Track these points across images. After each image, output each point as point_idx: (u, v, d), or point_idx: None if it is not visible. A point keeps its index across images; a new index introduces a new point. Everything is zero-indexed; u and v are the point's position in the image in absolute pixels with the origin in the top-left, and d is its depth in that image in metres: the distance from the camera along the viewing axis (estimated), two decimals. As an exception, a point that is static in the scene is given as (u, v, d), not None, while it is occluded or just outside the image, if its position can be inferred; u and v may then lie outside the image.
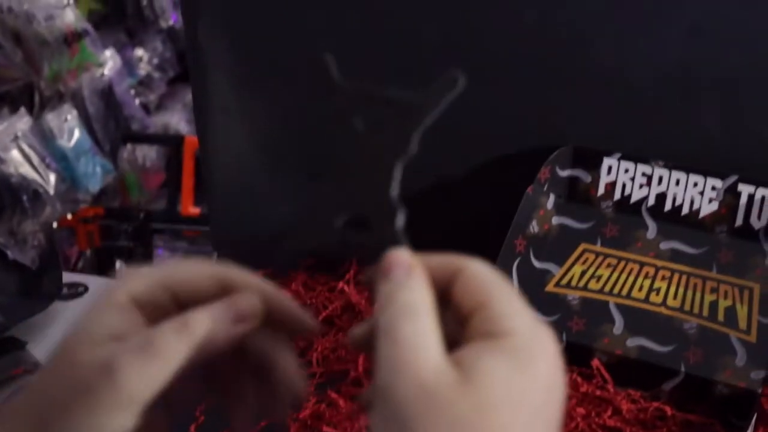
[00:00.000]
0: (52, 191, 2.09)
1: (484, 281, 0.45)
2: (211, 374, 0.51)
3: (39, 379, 0.46)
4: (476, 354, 0.42)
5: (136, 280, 0.49)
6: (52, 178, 2.11)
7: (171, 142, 2.54)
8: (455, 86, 0.47)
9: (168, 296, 0.49)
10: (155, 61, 2.74)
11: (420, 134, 0.47)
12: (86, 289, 1.23)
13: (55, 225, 2.22)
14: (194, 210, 2.39)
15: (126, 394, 0.43)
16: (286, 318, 0.50)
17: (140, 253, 2.33)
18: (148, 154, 2.64)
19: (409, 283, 0.44)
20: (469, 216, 1.07)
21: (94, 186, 2.29)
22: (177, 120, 2.80)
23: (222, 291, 0.49)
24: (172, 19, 2.72)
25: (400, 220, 0.47)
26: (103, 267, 2.33)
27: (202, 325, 0.46)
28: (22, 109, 2.09)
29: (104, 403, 0.43)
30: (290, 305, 0.50)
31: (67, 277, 1.24)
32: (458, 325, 0.45)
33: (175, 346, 0.45)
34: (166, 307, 0.48)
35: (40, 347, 1.11)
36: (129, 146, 2.59)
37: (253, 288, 0.49)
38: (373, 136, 0.48)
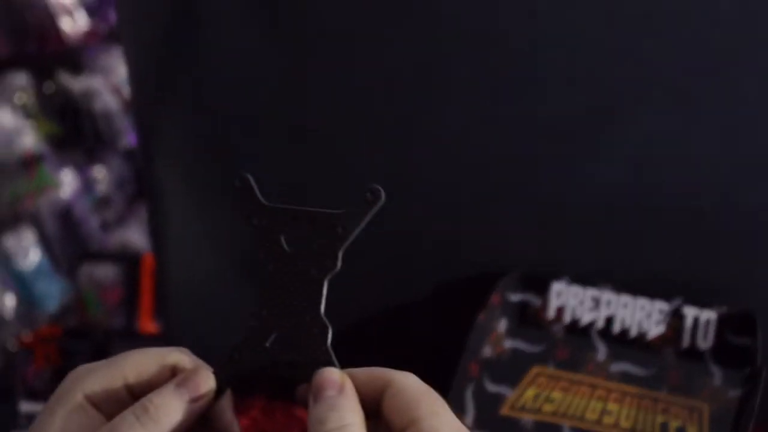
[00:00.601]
0: (9, 313, 2.08)
1: (412, 396, 0.46)
2: None
3: None
4: None
5: (88, 377, 0.48)
6: (10, 300, 2.11)
7: (129, 260, 2.54)
8: (377, 201, 0.49)
9: (123, 388, 0.48)
10: (114, 179, 2.76)
11: (344, 250, 0.49)
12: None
13: (12, 346, 2.20)
14: (153, 327, 2.39)
15: None
16: (215, 420, 0.50)
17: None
18: (106, 271, 2.64)
19: (340, 403, 0.46)
20: (421, 342, 1.08)
21: (52, 306, 2.29)
22: (136, 236, 2.80)
23: (174, 375, 0.49)
24: (129, 138, 2.75)
25: (329, 337, 0.49)
26: (61, 387, 2.30)
27: (162, 407, 0.46)
28: (-20, 233, 2.09)
29: None
30: (226, 407, 0.50)
31: (25, 407, 1.23)
32: None
33: None
34: (122, 399, 0.48)
35: (-5, 482, 1.10)
36: (87, 264, 2.59)
37: (203, 368, 0.50)
38: (298, 254, 0.50)
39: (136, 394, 0.48)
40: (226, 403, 0.50)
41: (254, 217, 0.51)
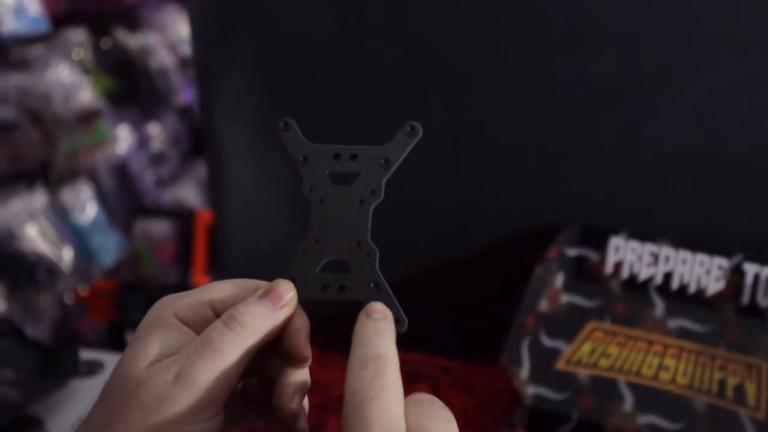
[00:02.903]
0: (66, 266, 2.12)
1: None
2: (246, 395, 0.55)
3: (103, 407, 0.48)
4: None
5: (176, 301, 0.52)
6: (67, 253, 2.14)
7: (183, 216, 2.57)
8: (415, 135, 0.54)
9: (209, 308, 0.52)
10: (169, 136, 2.79)
11: (386, 180, 0.54)
12: (102, 366, 1.24)
13: (69, 299, 2.24)
14: (206, 282, 2.41)
15: (204, 395, 0.47)
16: (289, 340, 0.52)
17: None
18: (160, 227, 2.67)
19: (385, 321, 0.50)
20: (479, 295, 1.08)
21: (108, 260, 2.32)
22: (189, 193, 2.83)
23: None
24: (184, 96, 2.77)
25: (377, 259, 0.53)
26: (116, 340, 2.35)
27: (247, 314, 0.50)
28: (38, 186, 2.12)
29: (186, 410, 0.46)
30: (300, 327, 0.52)
31: (84, 354, 1.25)
32: None
33: (229, 338, 0.49)
34: (209, 318, 0.52)
35: (58, 425, 1.11)
36: (142, 220, 2.62)
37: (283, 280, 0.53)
38: (344, 187, 0.54)
39: (220, 313, 0.51)
40: (301, 323, 0.52)
41: (300, 156, 0.55)
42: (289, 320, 0.52)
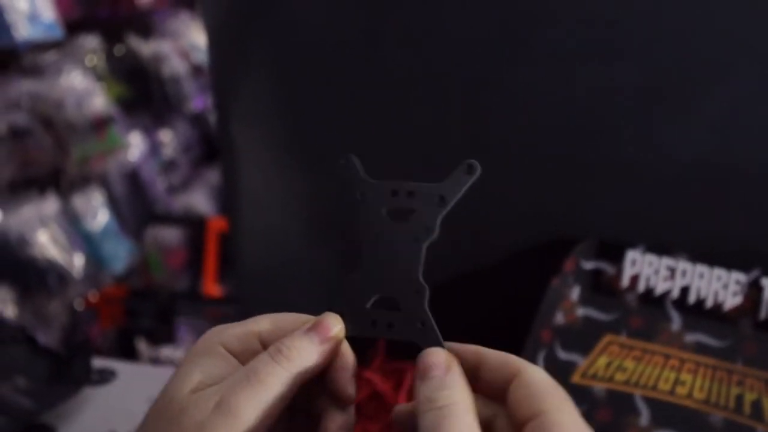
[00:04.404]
0: (77, 272, 2.12)
1: (540, 389, 0.48)
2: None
3: (145, 430, 0.49)
4: None
5: (225, 331, 0.53)
6: (78, 259, 2.14)
7: (193, 223, 2.57)
8: (473, 174, 0.54)
9: (257, 340, 0.53)
10: (180, 143, 2.79)
11: (442, 219, 0.54)
12: (114, 374, 1.24)
13: (79, 305, 2.24)
14: (217, 290, 2.42)
15: (244, 425, 0.47)
16: (335, 376, 0.52)
17: (163, 332, 2.35)
18: (171, 234, 2.67)
19: (449, 382, 0.48)
20: (494, 307, 1.08)
21: (119, 266, 2.32)
22: (201, 201, 2.84)
23: None
24: (196, 103, 2.77)
25: (426, 298, 0.52)
26: (125, 347, 2.35)
27: (294, 348, 0.50)
28: (50, 192, 2.12)
29: None
30: (347, 364, 0.52)
31: (96, 362, 1.24)
32: (513, 427, 0.48)
33: (274, 370, 0.49)
34: (257, 349, 0.52)
35: (70, 434, 1.12)
36: (153, 227, 2.62)
37: (331, 314, 0.53)
38: (399, 223, 0.54)
39: (268, 345, 0.52)
40: (348, 360, 0.53)
41: (358, 191, 0.55)
42: (335, 356, 0.52)
